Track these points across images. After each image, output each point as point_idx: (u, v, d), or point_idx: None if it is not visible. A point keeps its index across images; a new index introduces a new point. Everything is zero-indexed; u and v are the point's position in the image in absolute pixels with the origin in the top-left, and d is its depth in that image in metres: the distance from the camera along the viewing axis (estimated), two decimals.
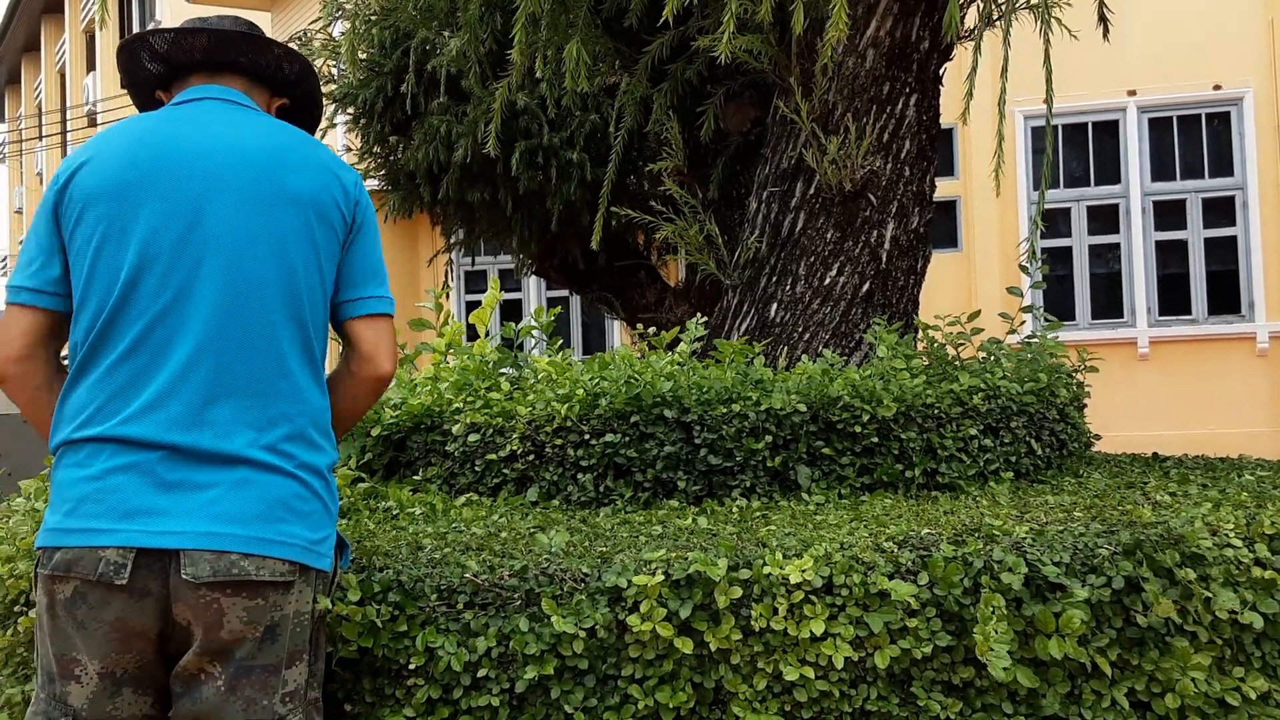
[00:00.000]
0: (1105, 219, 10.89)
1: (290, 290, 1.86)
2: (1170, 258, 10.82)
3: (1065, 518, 2.38)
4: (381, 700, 2.11)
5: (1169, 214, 10.78)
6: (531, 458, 3.00)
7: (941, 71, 3.83)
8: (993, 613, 2.00)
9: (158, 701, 1.83)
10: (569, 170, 5.80)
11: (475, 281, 13.75)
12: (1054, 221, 10.90)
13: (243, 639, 1.77)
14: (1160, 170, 10.77)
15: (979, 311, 3.52)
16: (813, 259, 3.68)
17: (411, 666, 2.07)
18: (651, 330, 3.87)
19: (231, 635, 1.76)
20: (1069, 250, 10.86)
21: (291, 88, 2.16)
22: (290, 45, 2.23)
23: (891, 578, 2.08)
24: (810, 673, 2.03)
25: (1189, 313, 10.67)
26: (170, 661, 1.81)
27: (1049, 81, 3.71)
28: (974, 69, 3.77)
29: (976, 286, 10.67)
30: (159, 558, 1.72)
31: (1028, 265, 3.49)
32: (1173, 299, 10.75)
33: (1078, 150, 10.87)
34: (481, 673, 2.06)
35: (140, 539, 1.71)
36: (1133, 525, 2.26)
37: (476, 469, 3.06)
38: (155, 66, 2.08)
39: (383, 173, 6.59)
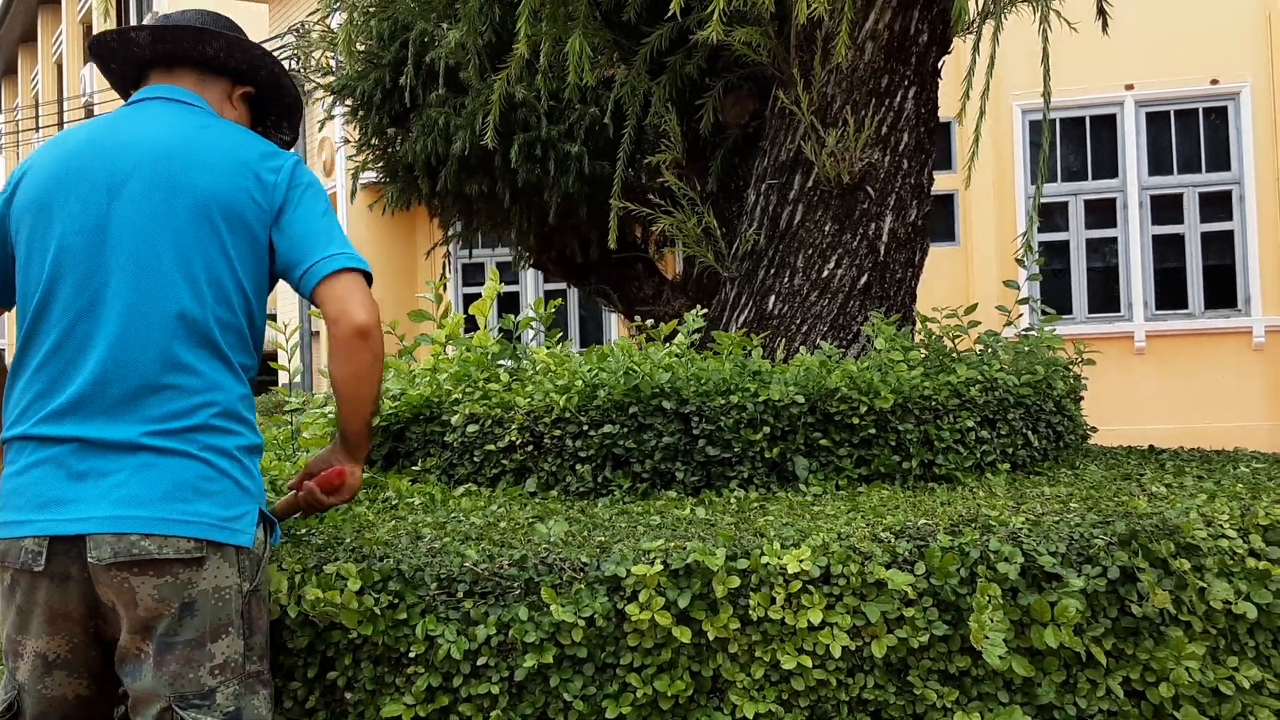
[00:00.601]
0: (1102, 213, 10.90)
1: (188, 286, 1.93)
2: (1167, 252, 10.83)
3: (1061, 508, 2.40)
4: (382, 688, 2.12)
5: (1166, 208, 10.79)
6: (530, 448, 3.01)
7: (940, 65, 3.84)
8: (989, 602, 2.01)
9: (94, 684, 1.94)
10: (567, 163, 5.79)
11: (473, 274, 13.74)
12: (1051, 215, 10.91)
13: (159, 615, 1.85)
14: (1157, 164, 10.78)
15: (976, 305, 3.53)
16: (810, 251, 3.69)
17: (412, 654, 2.08)
18: (649, 322, 3.88)
19: (148, 612, 1.85)
20: (1066, 244, 10.87)
21: (251, 75, 2.21)
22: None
23: (888, 567, 2.10)
24: (807, 661, 2.05)
25: (1186, 307, 10.68)
26: (111, 647, 1.92)
27: (1046, 75, 3.72)
28: (973, 66, 3.78)
29: (974, 280, 10.68)
30: (73, 544, 1.83)
31: (1024, 258, 3.50)
32: (1169, 293, 10.76)
33: (1075, 144, 10.87)
34: (481, 661, 2.07)
35: (52, 527, 1.84)
36: (1128, 516, 2.27)
37: (475, 459, 3.07)
38: (115, 67, 2.19)
39: (381, 165, 6.58)
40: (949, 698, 2.08)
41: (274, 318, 4.68)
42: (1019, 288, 3.45)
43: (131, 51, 2.14)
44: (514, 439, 3.01)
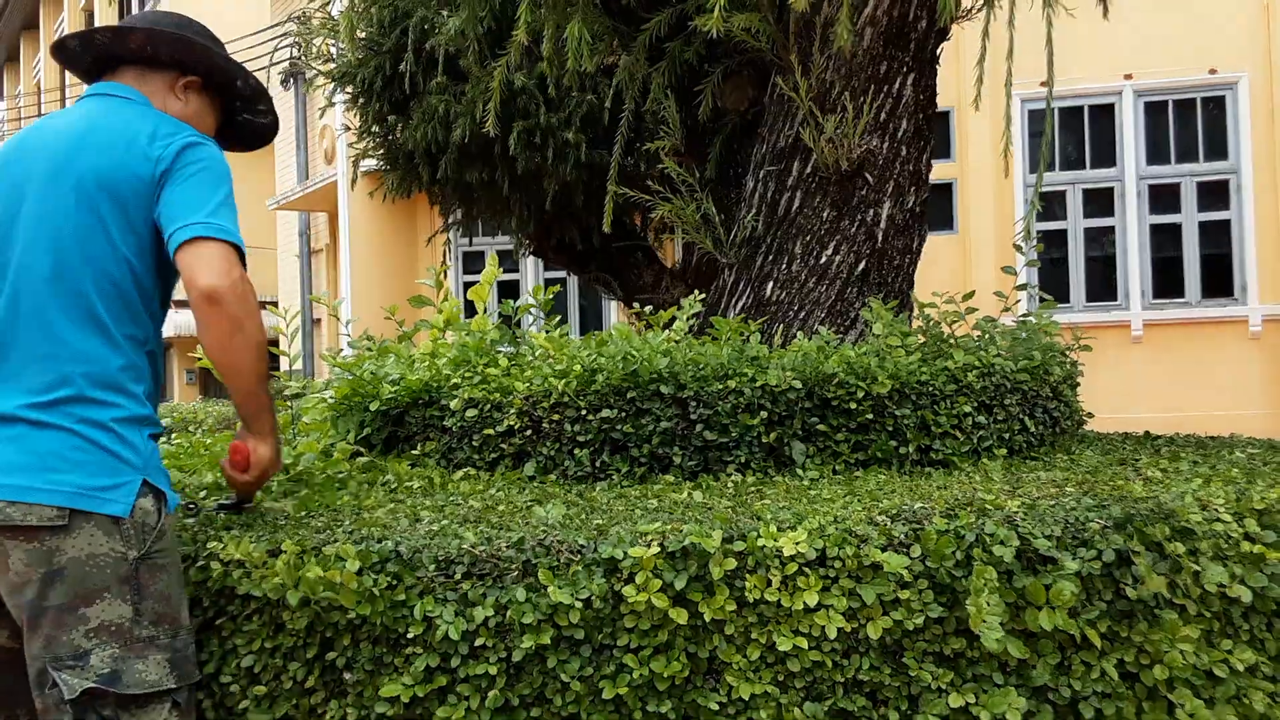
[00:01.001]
0: (1100, 202, 10.91)
1: (63, 263, 2.03)
2: (1164, 241, 10.84)
3: (1057, 492, 2.41)
4: (381, 668, 2.13)
5: (1163, 197, 10.79)
6: (529, 433, 3.02)
7: (939, 51, 3.84)
8: (985, 585, 2.03)
9: (16, 638, 2.05)
10: (566, 151, 5.79)
11: (473, 262, 13.74)
12: (1049, 204, 10.91)
13: (29, 579, 1.95)
14: (1155, 154, 10.78)
15: (974, 291, 3.54)
16: (809, 238, 3.70)
17: (410, 635, 2.09)
18: (648, 309, 3.89)
19: (19, 577, 1.96)
20: (1064, 233, 10.87)
21: (191, 68, 2.32)
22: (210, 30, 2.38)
23: (884, 550, 2.11)
24: (803, 643, 2.06)
25: (1182, 296, 10.69)
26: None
27: (1050, 61, 3.71)
28: (984, 53, 3.77)
29: (972, 269, 10.69)
30: None
31: (1022, 244, 3.50)
32: (1166, 282, 10.77)
33: (1074, 133, 10.87)
34: (479, 642, 2.08)
35: None
36: (1124, 500, 2.29)
37: (474, 444, 3.09)
38: (82, 70, 2.35)
39: (381, 152, 6.57)
40: (944, 679, 2.09)
41: (275, 304, 4.68)
42: (1016, 273, 3.46)
43: (74, 56, 2.31)
44: (512, 423, 3.02)
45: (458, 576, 2.12)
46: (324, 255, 16.34)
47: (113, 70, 2.30)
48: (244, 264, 2.10)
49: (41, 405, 1.98)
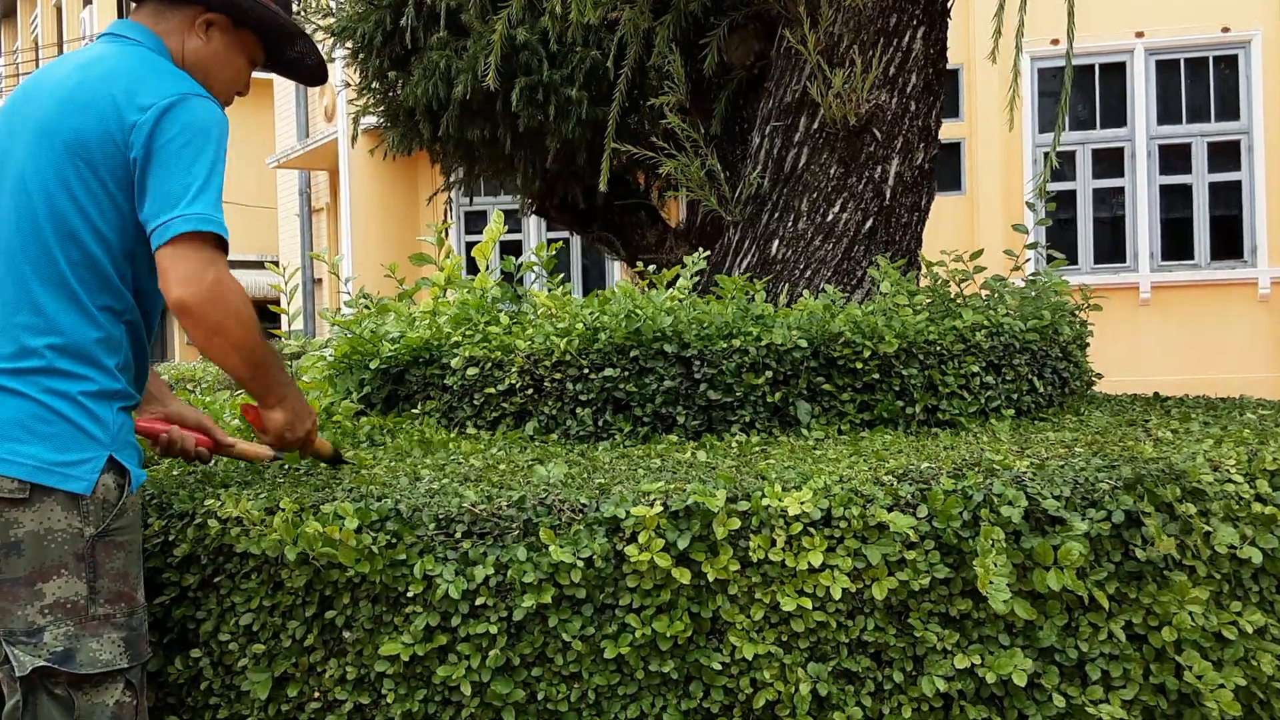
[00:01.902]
0: (1110, 162, 10.81)
1: (37, 230, 1.96)
2: (1174, 202, 10.76)
3: (1066, 453, 2.37)
4: (380, 627, 2.11)
5: (1174, 158, 10.70)
6: (530, 392, 2.99)
7: (949, 4, 3.76)
8: (992, 546, 1.99)
9: None
10: (568, 108, 5.73)
11: (475, 221, 13.66)
12: (1058, 165, 10.81)
13: None
14: (1166, 113, 10.67)
15: (982, 250, 3.48)
16: (815, 195, 3.65)
17: (410, 594, 2.07)
18: (651, 268, 3.84)
19: None
20: (1073, 194, 10.79)
21: (216, 2, 2.17)
22: None
23: (890, 510, 2.08)
24: (808, 603, 2.03)
25: (1192, 258, 10.62)
26: None
27: (1071, 14, 3.63)
28: (1001, 4, 3.69)
29: (979, 230, 10.61)
30: None
31: (1034, 202, 3.44)
32: (1176, 244, 10.70)
33: (1084, 93, 10.75)
34: (479, 601, 2.05)
35: None
36: (1134, 460, 2.25)
37: (475, 403, 3.05)
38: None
39: (381, 109, 6.51)
40: (949, 640, 2.06)
41: (276, 263, 4.65)
42: (1027, 231, 3.41)
43: None
44: (514, 382, 2.98)
45: (458, 535, 2.09)
46: (325, 214, 16.28)
47: (137, 5, 2.18)
48: (226, 249, 2.01)
49: (8, 372, 1.93)
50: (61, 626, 1.91)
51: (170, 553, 2.24)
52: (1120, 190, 10.78)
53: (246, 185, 20.73)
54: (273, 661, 2.17)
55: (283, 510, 2.12)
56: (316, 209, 16.53)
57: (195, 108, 2.01)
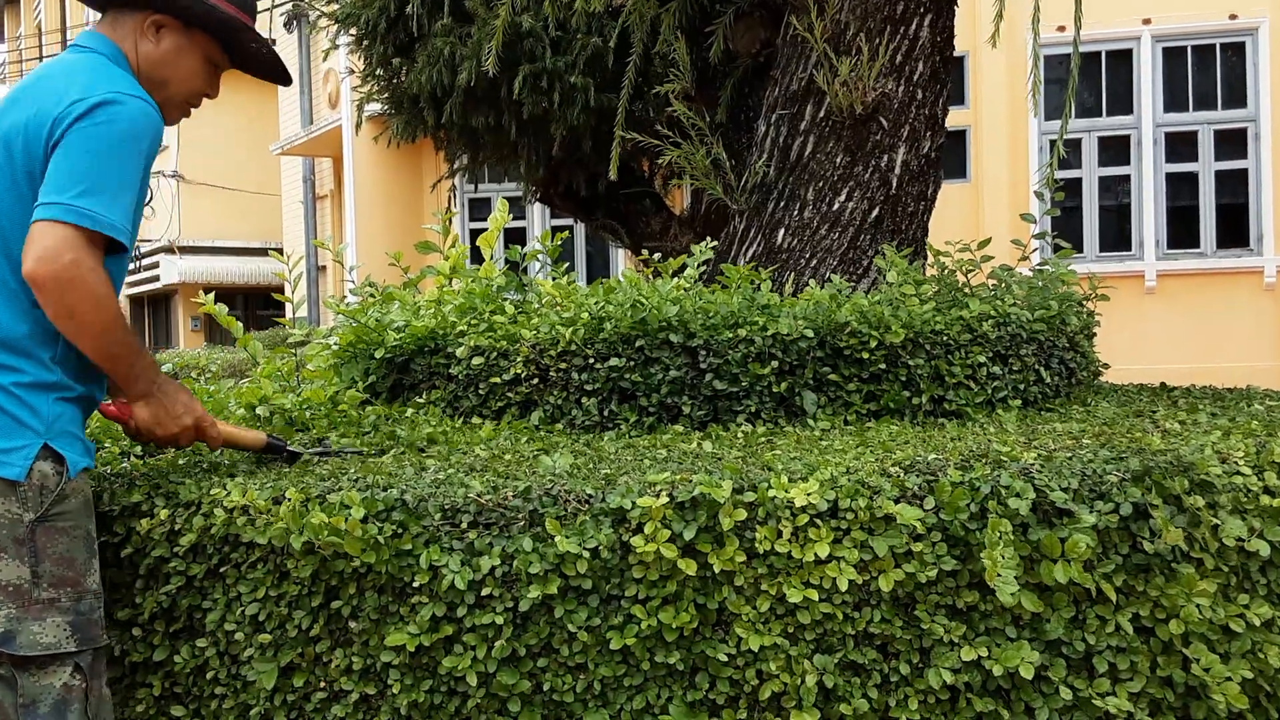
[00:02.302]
0: (1116, 150, 10.77)
1: None
2: (1180, 190, 10.71)
3: (1074, 444, 2.36)
4: (386, 617, 2.11)
5: (1180, 145, 10.65)
6: (535, 381, 2.98)
7: None
8: (1000, 538, 1.99)
9: None
10: (573, 95, 5.72)
11: (479, 208, 13.64)
12: (1065, 154, 10.77)
13: None
14: (1173, 101, 10.62)
15: (989, 239, 3.47)
16: (821, 184, 3.63)
17: (416, 584, 2.07)
18: (656, 256, 3.83)
19: None
20: (1079, 182, 10.75)
21: (155, 5, 2.23)
22: None
23: (897, 502, 2.07)
24: (814, 595, 2.03)
25: (1197, 246, 10.58)
26: None
27: (1078, 2, 3.60)
28: None
29: (984, 217, 10.58)
30: None
31: (1043, 191, 3.42)
32: (1181, 232, 10.66)
33: (1090, 80, 10.71)
34: (485, 591, 2.05)
35: None
36: (1141, 452, 2.24)
37: (480, 392, 3.05)
38: (95, 7, 2.33)
39: (385, 96, 6.50)
40: (956, 632, 2.06)
41: (280, 250, 4.64)
42: (1035, 220, 3.39)
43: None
44: (519, 372, 2.97)
45: (464, 525, 2.09)
46: (329, 201, 16.26)
47: (103, 12, 2.26)
48: (108, 247, 2.02)
49: None
50: (3, 609, 1.96)
51: (177, 542, 2.24)
52: (1126, 178, 10.74)
53: (250, 172, 20.70)
54: (279, 651, 2.17)
55: (289, 500, 2.12)
56: (320, 196, 16.51)
57: (120, 108, 2.03)
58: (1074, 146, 10.77)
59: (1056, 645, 2.08)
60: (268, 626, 2.18)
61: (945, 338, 2.95)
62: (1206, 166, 10.57)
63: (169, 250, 20.36)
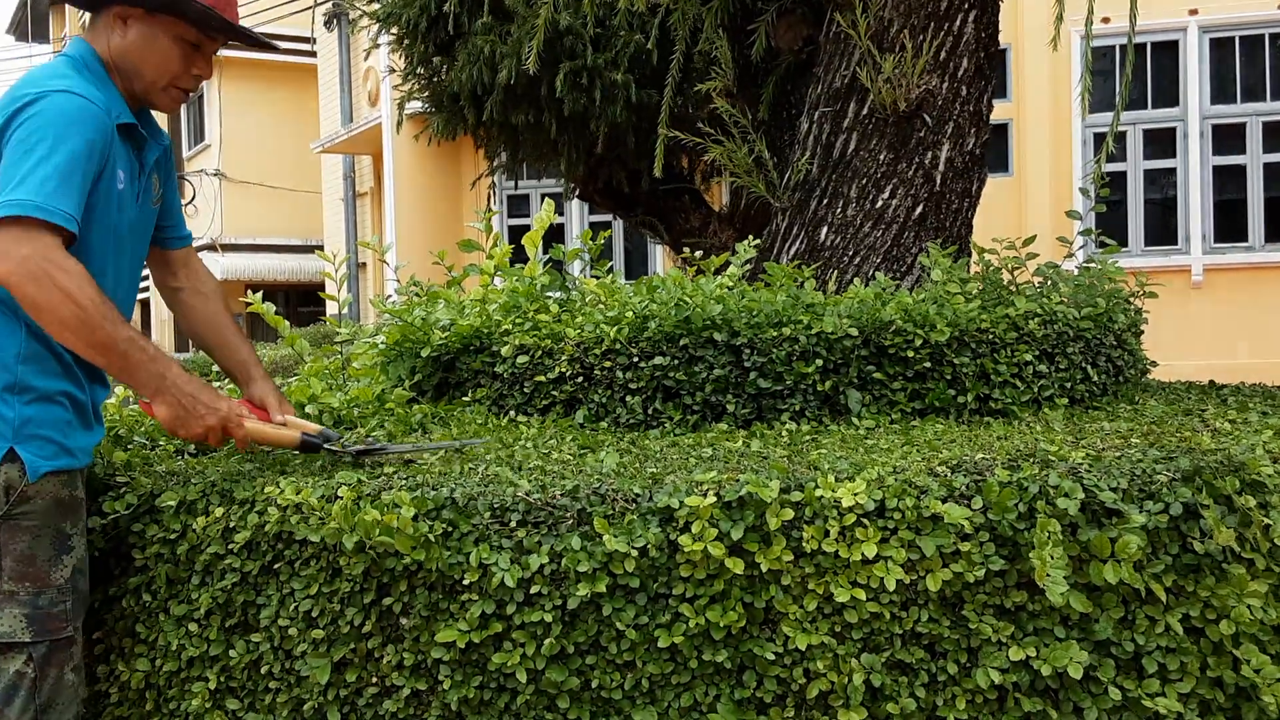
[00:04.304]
0: (1161, 143, 10.64)
1: None
2: (1227, 183, 10.58)
3: (1122, 444, 2.35)
4: (437, 614, 2.14)
5: (1228, 138, 10.51)
6: (580, 380, 3.00)
7: None
8: (1048, 538, 1.98)
9: None
10: (614, 92, 5.72)
11: (518, 205, 13.70)
12: (1115, 150, 10.65)
13: None
14: (1220, 93, 10.48)
15: (1034, 236, 3.45)
16: (864, 181, 3.62)
17: (465, 582, 2.09)
18: (698, 254, 3.83)
19: None
20: (1123, 175, 10.64)
21: None
22: None
23: (945, 501, 2.07)
24: (861, 594, 2.03)
25: (1245, 240, 10.45)
26: None
27: None
28: None
29: (1027, 213, 10.49)
30: None
31: (1089, 188, 3.40)
32: (1229, 226, 10.52)
33: (1135, 72, 10.58)
34: (534, 589, 2.07)
35: None
36: (1192, 452, 2.23)
37: (525, 390, 3.07)
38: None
39: (426, 94, 6.54)
40: (1004, 632, 2.06)
41: (321, 248, 4.68)
42: (1080, 217, 3.37)
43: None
44: (564, 370, 3.00)
45: (513, 524, 2.11)
46: (369, 198, 16.38)
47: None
48: (61, 232, 2.05)
49: None
50: None
51: (231, 539, 2.28)
52: (1172, 171, 10.62)
53: (291, 170, 20.87)
54: (331, 647, 2.21)
55: (341, 499, 2.15)
56: (361, 193, 16.64)
57: (42, 101, 2.10)
58: (1118, 140, 10.64)
59: (1105, 645, 2.08)
60: (321, 623, 2.21)
61: (991, 336, 2.94)
62: (1254, 159, 10.43)
63: (211, 248, 20.57)
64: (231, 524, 2.28)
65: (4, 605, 2.11)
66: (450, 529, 2.11)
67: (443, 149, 13.02)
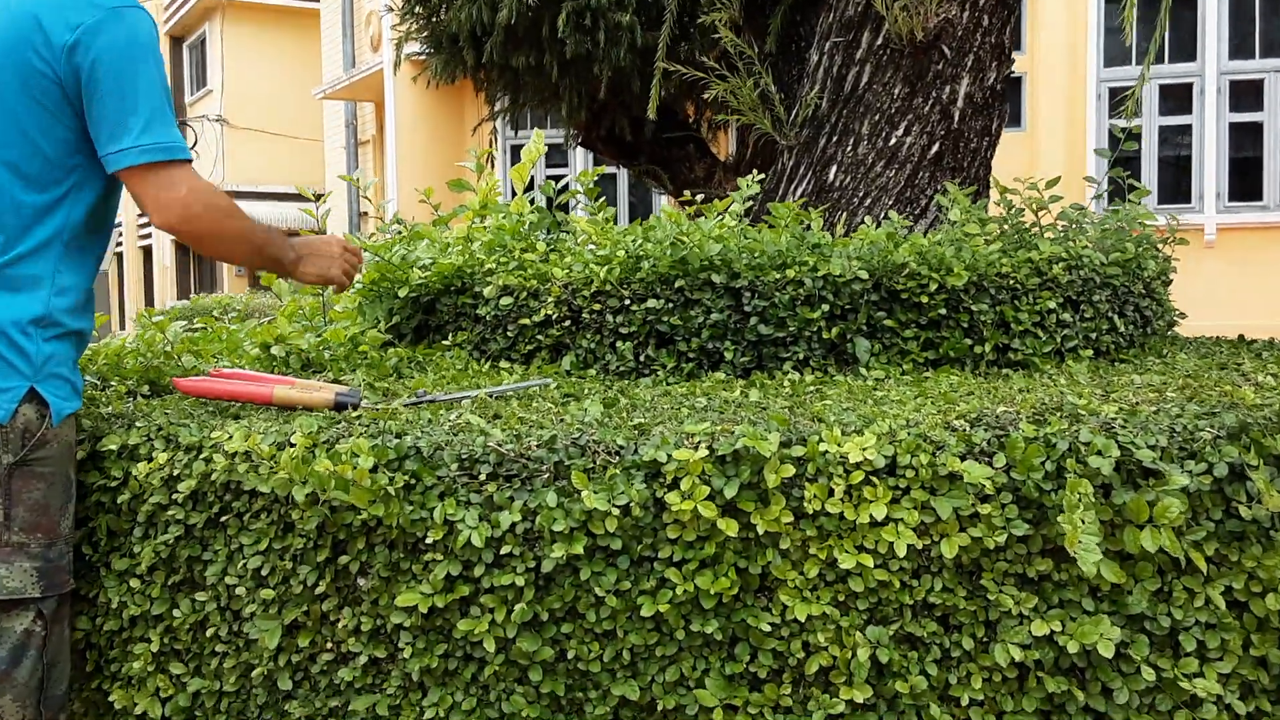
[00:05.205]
0: (1178, 99, 10.34)
1: None
2: (1243, 141, 10.29)
3: (1157, 398, 2.13)
4: (398, 575, 1.93)
5: (1245, 95, 10.21)
6: (567, 324, 2.79)
7: None
8: (1079, 500, 1.77)
9: None
10: (618, 34, 5.55)
11: (519, 155, 13.43)
12: (1121, 101, 10.39)
13: None
14: (1239, 48, 10.17)
15: (1058, 178, 3.21)
16: (877, 117, 3.38)
17: (429, 541, 1.89)
18: (699, 197, 3.61)
19: None
20: (1137, 131, 10.36)
21: None
22: None
23: (963, 459, 1.86)
24: (868, 561, 1.83)
25: (1260, 199, 10.18)
26: None
27: None
28: None
29: (1040, 168, 10.20)
30: None
31: (1119, 135, 3.16)
32: (1244, 184, 10.26)
33: (1150, 25, 10.28)
34: (505, 550, 1.87)
35: None
36: (1236, 407, 2.01)
37: (509, 334, 2.86)
38: None
39: (425, 35, 6.38)
40: (1026, 604, 1.85)
41: (319, 195, 4.44)
42: (1109, 155, 3.13)
43: None
44: (550, 313, 2.78)
45: (482, 477, 1.90)
46: (371, 145, 16.15)
47: None
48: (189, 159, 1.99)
49: None
50: None
51: (175, 488, 2.08)
52: (1187, 128, 10.32)
53: (294, 117, 20.66)
54: (283, 608, 2.01)
55: (293, 446, 1.95)
56: (363, 141, 16.39)
57: (137, 20, 1.94)
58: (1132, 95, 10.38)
59: (1139, 620, 1.87)
60: (271, 582, 2.01)
61: (1012, 281, 2.71)
62: (1273, 116, 10.13)
63: None
64: (176, 472, 2.07)
65: (13, 558, 1.93)
66: (413, 481, 1.90)
67: (445, 97, 12.77)
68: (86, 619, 2.22)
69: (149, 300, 23.55)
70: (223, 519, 2.05)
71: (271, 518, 2.00)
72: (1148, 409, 2.01)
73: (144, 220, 23.32)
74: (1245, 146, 10.29)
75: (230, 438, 2.02)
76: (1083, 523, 1.76)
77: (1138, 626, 1.87)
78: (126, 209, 24.26)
